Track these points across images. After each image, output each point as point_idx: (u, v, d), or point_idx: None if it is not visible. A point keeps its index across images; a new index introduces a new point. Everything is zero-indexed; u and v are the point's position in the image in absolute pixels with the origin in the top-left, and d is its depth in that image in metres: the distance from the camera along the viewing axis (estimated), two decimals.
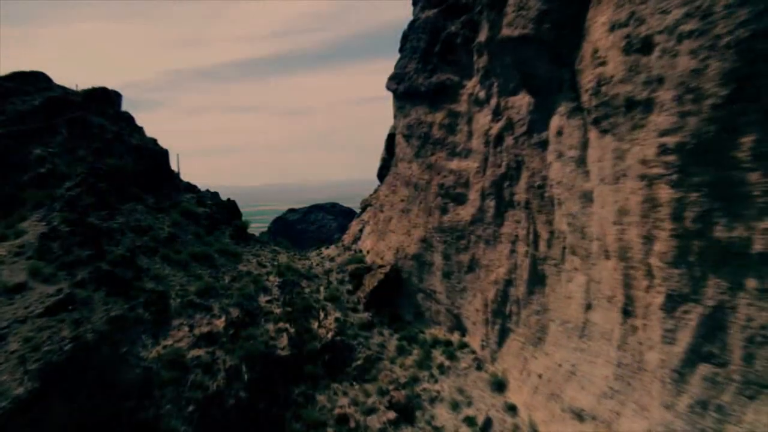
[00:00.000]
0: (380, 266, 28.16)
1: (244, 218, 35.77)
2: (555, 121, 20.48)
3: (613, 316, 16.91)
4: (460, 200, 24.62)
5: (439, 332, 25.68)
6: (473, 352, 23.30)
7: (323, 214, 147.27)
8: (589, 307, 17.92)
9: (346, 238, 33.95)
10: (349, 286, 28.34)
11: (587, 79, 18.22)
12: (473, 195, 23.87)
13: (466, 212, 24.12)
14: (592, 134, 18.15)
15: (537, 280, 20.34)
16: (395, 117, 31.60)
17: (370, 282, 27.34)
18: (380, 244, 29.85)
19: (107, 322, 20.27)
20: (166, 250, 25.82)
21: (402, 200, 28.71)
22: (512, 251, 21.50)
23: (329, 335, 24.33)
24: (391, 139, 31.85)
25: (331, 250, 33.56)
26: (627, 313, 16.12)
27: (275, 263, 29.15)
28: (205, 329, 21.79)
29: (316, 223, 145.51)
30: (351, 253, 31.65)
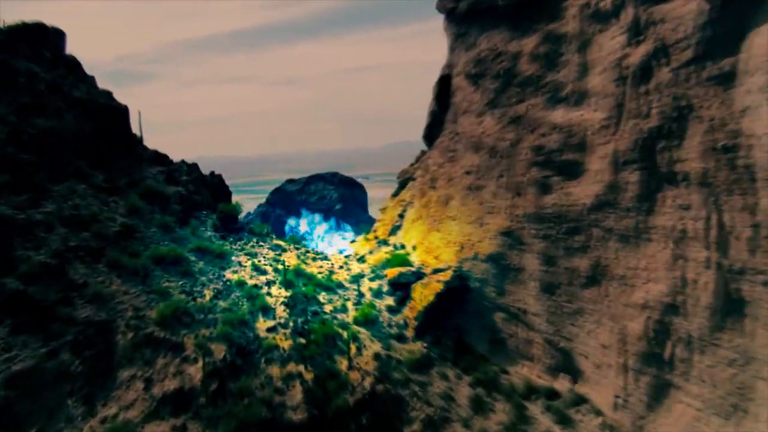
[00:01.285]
0: (436, 271, 21.55)
1: (235, 199, 29.18)
2: (761, 38, 13.48)
3: None
4: (573, 172, 17.73)
5: (533, 373, 19.16)
6: (598, 412, 16.73)
7: (323, 184, 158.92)
8: None
9: (380, 228, 27.14)
10: (391, 301, 21.82)
11: None
12: (597, 164, 16.95)
13: (583, 191, 17.24)
14: None
15: (730, 308, 13.61)
16: (451, 50, 24.45)
17: (422, 295, 20.76)
18: (433, 237, 23.07)
19: (6, 384, 13.93)
20: (117, 253, 19.38)
21: (468, 172, 21.79)
22: (677, 257, 14.68)
23: (366, 382, 17.96)
24: (444, 84, 24.75)
25: (358, 245, 26.85)
26: None
27: (280, 266, 22.58)
28: (171, 385, 15.47)
29: (316, 194, 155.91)
30: (389, 249, 24.96)
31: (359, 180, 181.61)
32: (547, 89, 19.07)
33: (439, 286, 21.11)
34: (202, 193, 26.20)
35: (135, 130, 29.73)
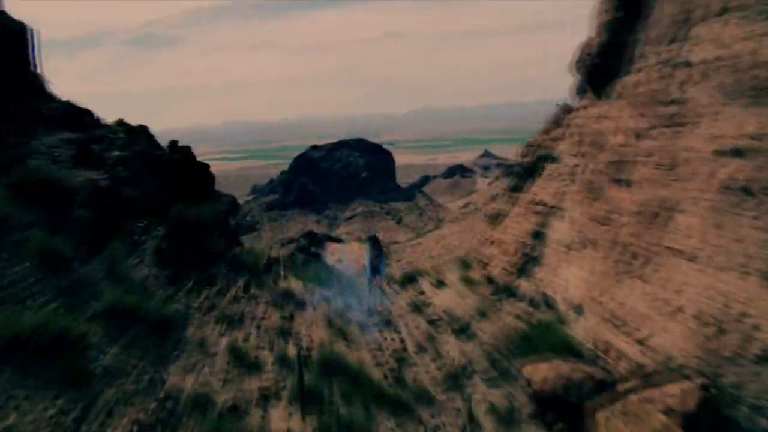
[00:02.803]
0: (648, 378, 10.20)
1: (255, 166, 18.36)
2: None
3: None
4: None
5: None
6: None
7: (349, 151, 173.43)
8: None
9: (495, 256, 15.66)
10: None
11: None
12: None
13: None
14: None
15: None
16: None
17: None
18: (628, 293, 11.87)
19: None
20: None
21: (738, 152, 10.22)
22: None
23: None
24: None
25: (449, 295, 15.47)
26: None
27: (290, 347, 11.63)
28: None
29: (341, 161, 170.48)
30: (520, 307, 13.69)
31: (384, 146, 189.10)
32: None
33: (665, 421, 9.91)
34: (144, 182, 15.33)
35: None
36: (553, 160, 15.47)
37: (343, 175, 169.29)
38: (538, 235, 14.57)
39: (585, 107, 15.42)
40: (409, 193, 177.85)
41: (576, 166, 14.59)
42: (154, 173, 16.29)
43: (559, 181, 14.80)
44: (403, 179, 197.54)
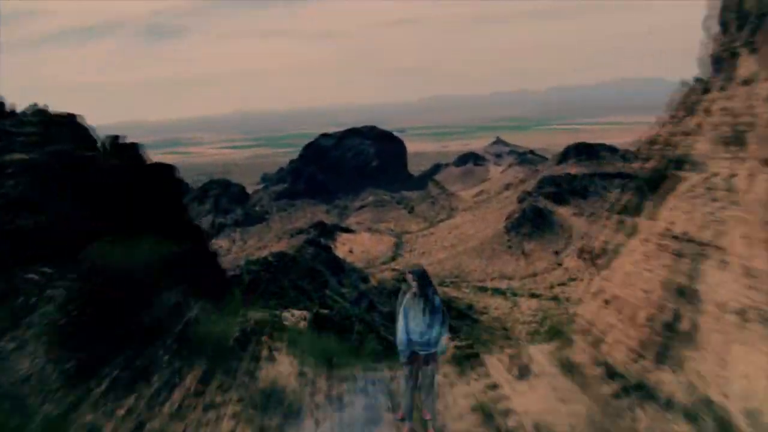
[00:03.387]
0: None
1: (267, 154, 13.53)
2: None
3: None
4: None
5: None
6: None
7: (360, 139, 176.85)
8: None
9: (606, 321, 10.23)
10: None
11: None
12: None
13: None
14: None
15: None
16: None
17: None
18: None
19: None
20: None
21: None
22: None
23: None
24: None
25: (538, 392, 10.01)
26: None
27: None
28: None
29: (352, 150, 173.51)
30: (665, 418, 8.24)
31: (394, 133, 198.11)
32: None
33: None
34: (57, 202, 10.06)
35: None
36: (692, 166, 10.02)
37: (354, 163, 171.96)
38: (684, 293, 9.10)
39: (741, 83, 9.91)
40: (420, 182, 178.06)
41: (734, 176, 9.22)
42: (77, 187, 11.02)
43: (709, 201, 9.32)
44: (414, 167, 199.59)
